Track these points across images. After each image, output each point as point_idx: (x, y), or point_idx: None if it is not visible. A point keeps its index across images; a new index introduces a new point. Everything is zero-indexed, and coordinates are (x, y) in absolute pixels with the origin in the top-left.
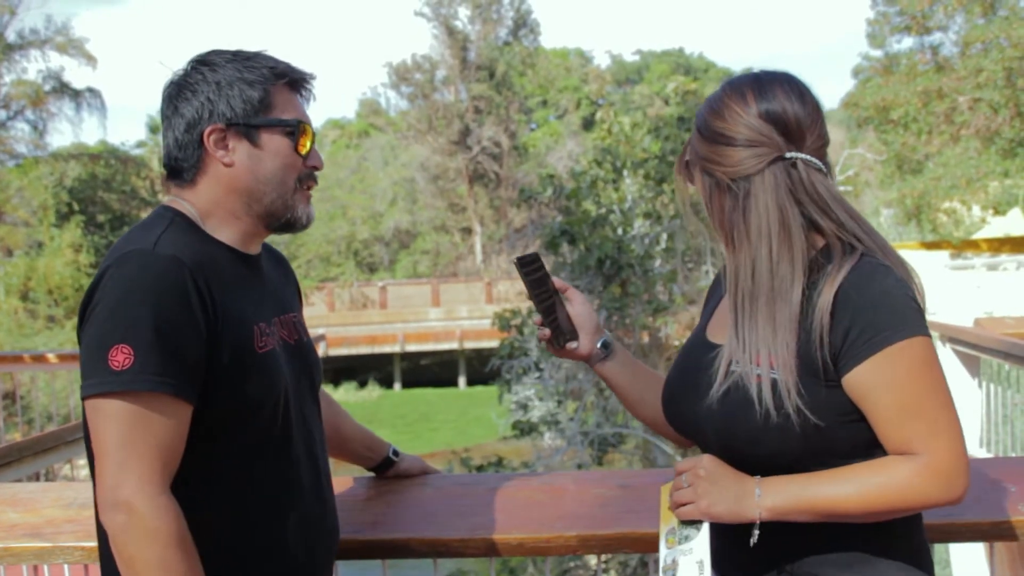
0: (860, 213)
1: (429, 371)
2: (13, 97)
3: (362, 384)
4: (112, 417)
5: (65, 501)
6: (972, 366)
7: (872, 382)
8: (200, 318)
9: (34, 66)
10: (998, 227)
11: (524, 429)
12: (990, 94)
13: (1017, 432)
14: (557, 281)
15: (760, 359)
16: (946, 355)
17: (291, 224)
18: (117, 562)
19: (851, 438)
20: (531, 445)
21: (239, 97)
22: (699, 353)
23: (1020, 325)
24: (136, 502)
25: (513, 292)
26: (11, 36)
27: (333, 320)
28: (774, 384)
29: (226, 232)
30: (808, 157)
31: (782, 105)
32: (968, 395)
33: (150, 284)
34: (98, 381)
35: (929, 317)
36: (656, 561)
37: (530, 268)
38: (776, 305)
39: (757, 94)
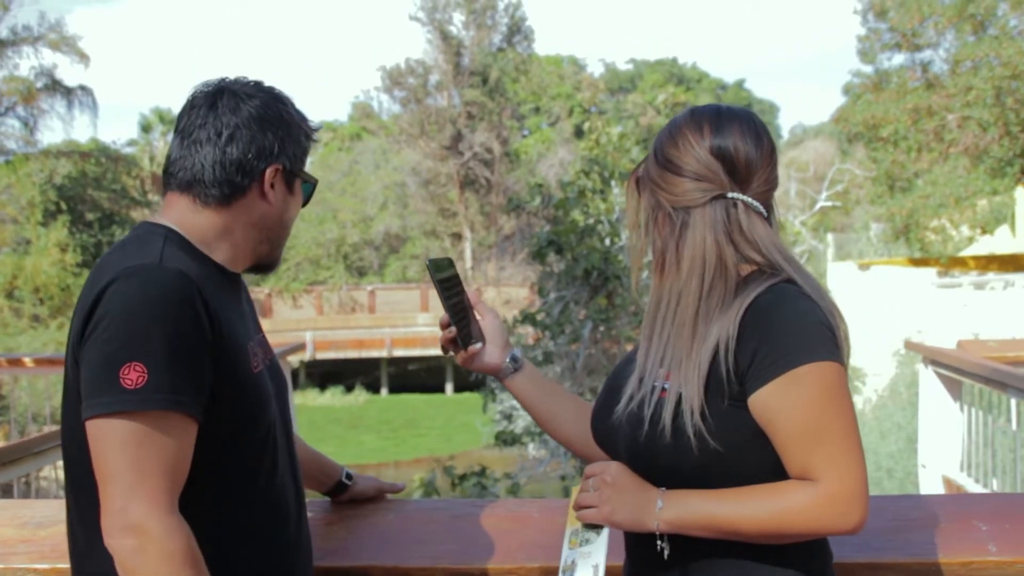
0: (796, 257)
1: (416, 376)
2: (4, 93)
3: (349, 389)
4: (121, 438)
5: (21, 520)
6: (954, 389)
7: (775, 405)
8: (208, 336)
9: (26, 62)
10: (986, 245)
11: (507, 440)
12: (979, 112)
13: (998, 456)
14: (471, 293)
15: (669, 375)
16: (928, 377)
17: (271, 267)
18: None
19: (756, 460)
20: (516, 454)
21: (299, 145)
22: (623, 366)
23: (1003, 348)
24: (148, 524)
25: (500, 300)
26: (3, 32)
27: (321, 324)
28: (678, 401)
29: (221, 254)
30: (749, 200)
31: (735, 144)
32: (950, 418)
33: (160, 299)
34: (110, 400)
35: (915, 336)
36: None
37: (442, 271)
38: (696, 330)
39: (714, 129)
